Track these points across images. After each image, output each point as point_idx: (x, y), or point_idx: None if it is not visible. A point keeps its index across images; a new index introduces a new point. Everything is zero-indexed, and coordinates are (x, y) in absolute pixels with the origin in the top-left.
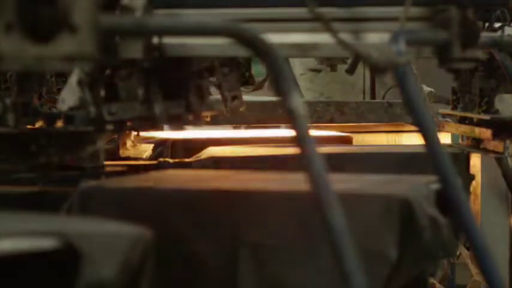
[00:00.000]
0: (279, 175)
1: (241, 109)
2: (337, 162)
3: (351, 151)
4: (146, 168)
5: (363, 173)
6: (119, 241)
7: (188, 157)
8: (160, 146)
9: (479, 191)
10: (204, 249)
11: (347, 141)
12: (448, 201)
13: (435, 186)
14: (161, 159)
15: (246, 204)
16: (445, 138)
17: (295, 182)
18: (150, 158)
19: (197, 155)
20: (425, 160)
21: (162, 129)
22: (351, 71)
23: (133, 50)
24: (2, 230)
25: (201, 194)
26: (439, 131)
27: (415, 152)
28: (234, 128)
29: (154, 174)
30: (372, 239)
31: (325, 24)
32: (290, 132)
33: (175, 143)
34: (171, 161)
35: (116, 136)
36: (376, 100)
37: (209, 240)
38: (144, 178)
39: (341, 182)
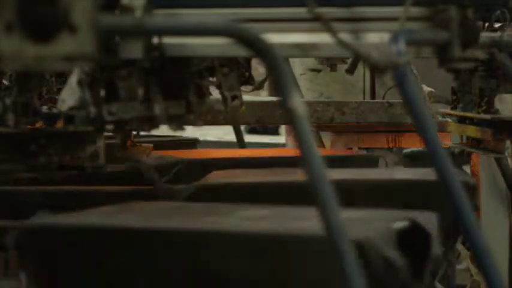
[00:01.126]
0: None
1: (241, 109)
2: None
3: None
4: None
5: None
6: None
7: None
8: (177, 165)
9: (479, 191)
10: None
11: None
12: (447, 201)
13: (400, 224)
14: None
15: (195, 246)
16: (445, 138)
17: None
18: (167, 180)
19: (201, 180)
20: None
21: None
22: (351, 71)
23: (134, 50)
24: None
25: (148, 234)
26: (439, 131)
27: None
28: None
29: (114, 207)
30: (325, 281)
31: (325, 24)
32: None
33: (191, 163)
34: (164, 187)
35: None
36: (376, 100)
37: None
38: (96, 213)
39: (299, 220)
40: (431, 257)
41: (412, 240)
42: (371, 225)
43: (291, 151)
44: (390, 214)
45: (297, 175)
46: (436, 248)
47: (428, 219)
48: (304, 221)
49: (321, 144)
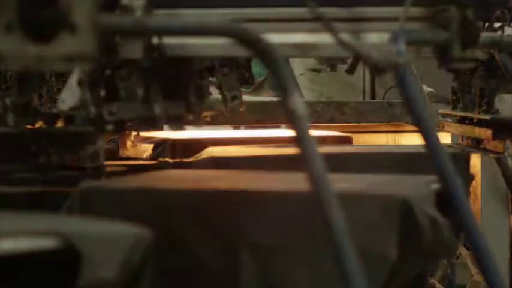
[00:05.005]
0: (279, 175)
1: (241, 109)
2: (337, 162)
3: (351, 151)
4: (146, 168)
5: (363, 173)
6: (119, 241)
7: (188, 157)
8: (160, 146)
9: (479, 191)
10: (205, 250)
11: (347, 141)
12: (448, 201)
13: (435, 186)
14: (161, 159)
15: (247, 205)
16: (445, 138)
17: (295, 182)
18: (150, 158)
19: (197, 155)
20: (424, 159)
21: (161, 129)
22: (351, 71)
23: (134, 50)
24: (2, 229)
25: (202, 195)
26: (439, 131)
27: (414, 152)
28: (234, 128)
29: (154, 174)
30: (372, 239)
31: (325, 24)
32: (289, 132)
33: (175, 143)
34: (171, 161)
35: (115, 136)
36: (376, 100)
37: (210, 242)
38: (144, 178)
39: (340, 182)
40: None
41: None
42: (412, 186)
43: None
44: (427, 178)
45: (290, 151)
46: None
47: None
48: None
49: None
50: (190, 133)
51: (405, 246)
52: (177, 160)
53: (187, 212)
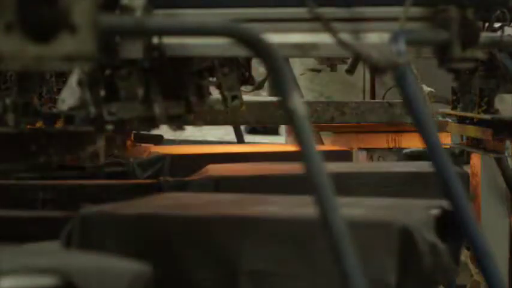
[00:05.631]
0: (278, 198)
1: (241, 109)
2: (336, 183)
3: (350, 170)
4: (147, 188)
5: (362, 193)
6: (118, 278)
7: (188, 174)
8: (160, 161)
9: (479, 191)
10: (204, 276)
11: (346, 156)
12: (447, 225)
13: (435, 211)
14: (161, 178)
15: (246, 231)
16: (445, 138)
17: (294, 205)
18: (150, 176)
19: (197, 174)
20: (424, 180)
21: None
22: (351, 71)
23: (134, 50)
24: (3, 267)
25: (201, 221)
26: (440, 131)
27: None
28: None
29: (153, 199)
30: (372, 266)
31: (325, 24)
32: (291, 147)
33: (174, 158)
34: (170, 179)
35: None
36: (376, 100)
37: (209, 268)
38: (145, 203)
39: (340, 207)
40: (463, 242)
41: (443, 226)
42: (412, 212)
43: (287, 146)
44: (426, 203)
45: (289, 169)
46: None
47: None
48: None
49: (321, 144)
50: (190, 148)
51: (405, 273)
52: (177, 179)
53: (186, 239)
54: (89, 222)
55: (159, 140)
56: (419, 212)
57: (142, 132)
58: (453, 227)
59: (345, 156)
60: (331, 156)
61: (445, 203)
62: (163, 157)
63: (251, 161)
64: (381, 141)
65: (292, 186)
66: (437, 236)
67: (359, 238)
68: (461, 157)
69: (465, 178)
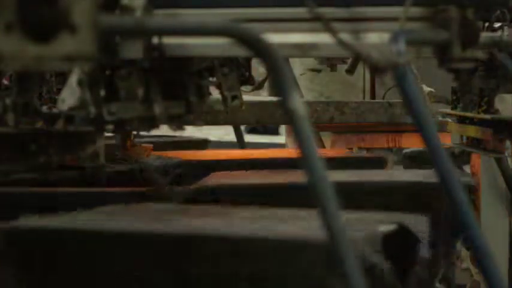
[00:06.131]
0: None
1: (241, 109)
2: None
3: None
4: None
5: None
6: None
7: (192, 182)
8: (178, 168)
9: (479, 191)
10: None
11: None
12: (448, 200)
13: (384, 226)
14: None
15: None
16: (445, 138)
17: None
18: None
19: (199, 182)
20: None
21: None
22: (351, 71)
23: (134, 50)
24: None
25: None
26: (440, 131)
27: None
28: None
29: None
30: (312, 285)
31: (325, 24)
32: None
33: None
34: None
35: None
36: (376, 100)
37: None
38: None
39: (285, 222)
40: (418, 261)
41: (400, 243)
42: (357, 227)
43: (290, 152)
44: (379, 216)
45: (295, 176)
46: (424, 252)
47: (419, 222)
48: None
49: (321, 144)
50: (194, 153)
51: None
52: (169, 187)
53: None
54: (17, 235)
55: (205, 144)
56: (365, 227)
57: (185, 136)
58: (406, 245)
59: (377, 163)
60: (365, 163)
61: (407, 218)
62: (181, 162)
63: (261, 168)
64: (381, 141)
65: (294, 195)
66: (385, 254)
67: (300, 257)
68: (461, 157)
69: (471, 190)
